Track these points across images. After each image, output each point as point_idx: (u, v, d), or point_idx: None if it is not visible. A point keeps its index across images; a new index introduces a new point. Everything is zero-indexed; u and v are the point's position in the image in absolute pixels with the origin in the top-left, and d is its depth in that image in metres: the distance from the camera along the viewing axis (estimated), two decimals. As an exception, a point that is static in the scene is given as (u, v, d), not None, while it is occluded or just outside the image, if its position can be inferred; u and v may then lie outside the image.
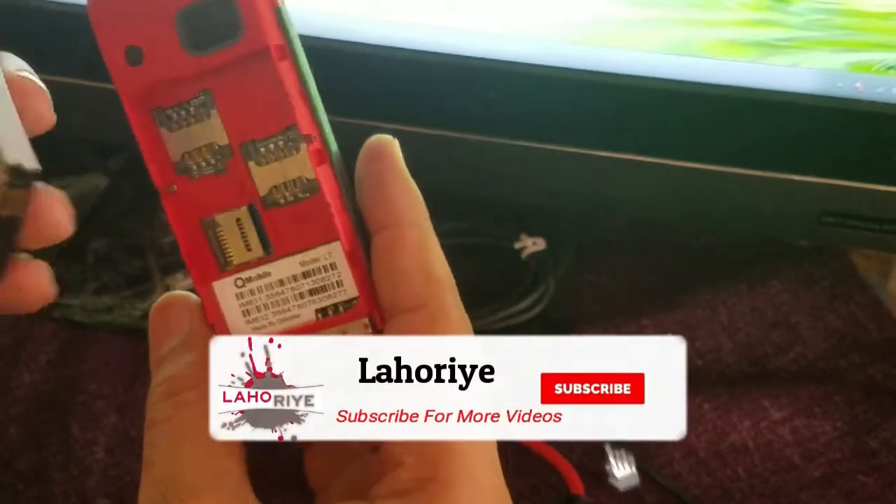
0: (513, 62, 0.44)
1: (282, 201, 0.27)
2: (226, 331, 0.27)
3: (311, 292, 0.27)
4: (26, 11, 0.47)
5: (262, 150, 0.27)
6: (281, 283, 0.27)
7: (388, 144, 0.27)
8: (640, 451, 0.47)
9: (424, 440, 0.24)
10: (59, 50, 0.46)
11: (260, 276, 0.27)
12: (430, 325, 0.25)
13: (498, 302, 0.52)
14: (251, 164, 0.27)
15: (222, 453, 0.25)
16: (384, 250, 0.26)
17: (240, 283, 0.27)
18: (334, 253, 0.27)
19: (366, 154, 0.27)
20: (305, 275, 0.27)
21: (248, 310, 0.27)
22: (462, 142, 0.47)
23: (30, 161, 0.25)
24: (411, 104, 0.46)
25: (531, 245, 0.55)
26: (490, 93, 0.45)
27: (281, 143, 0.26)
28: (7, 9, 0.48)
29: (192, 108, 0.27)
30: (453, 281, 0.27)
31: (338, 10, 0.45)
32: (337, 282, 0.27)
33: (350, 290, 0.27)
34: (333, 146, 0.27)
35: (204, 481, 0.24)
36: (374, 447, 0.26)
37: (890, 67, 0.42)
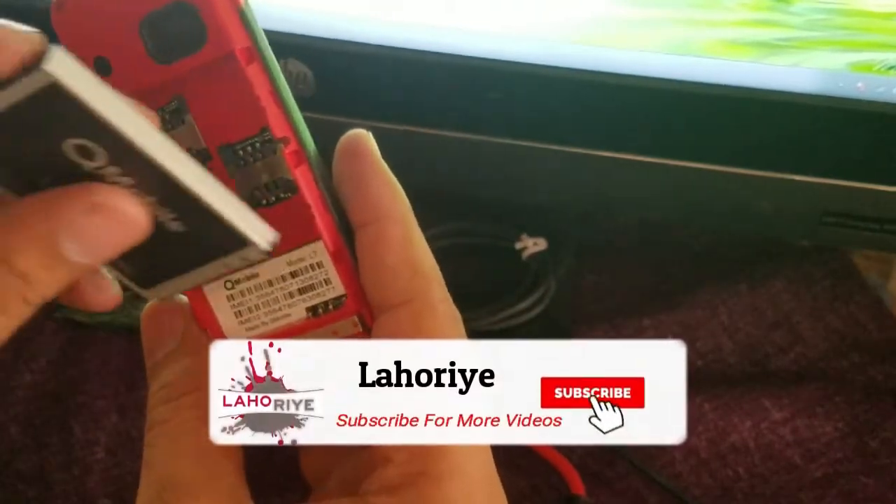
0: (513, 62, 0.44)
1: (264, 202, 0.27)
2: (220, 333, 0.27)
3: (300, 291, 0.27)
4: (27, 12, 0.47)
5: (240, 152, 0.26)
6: (270, 283, 0.27)
7: (364, 139, 0.27)
8: (642, 452, 0.47)
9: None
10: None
11: (248, 278, 0.27)
12: (416, 320, 0.25)
13: (499, 302, 0.52)
14: (230, 166, 0.27)
15: (219, 455, 0.25)
16: (368, 247, 0.26)
17: (229, 285, 0.27)
18: (319, 252, 0.27)
19: (342, 151, 0.27)
20: (293, 274, 0.27)
21: (240, 311, 0.27)
22: (462, 142, 0.47)
23: (270, 232, 0.25)
24: (411, 104, 0.46)
25: (532, 245, 0.55)
26: (490, 93, 0.45)
27: (258, 144, 0.26)
28: (8, 9, 0.47)
29: (166, 115, 0.26)
30: (440, 275, 0.26)
31: (338, 10, 0.45)
32: (324, 280, 0.27)
33: (337, 287, 0.27)
34: (310, 144, 0.27)
35: (200, 482, 0.25)
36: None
37: (891, 67, 0.41)
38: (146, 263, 0.26)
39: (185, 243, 0.25)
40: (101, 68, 0.26)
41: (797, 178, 0.44)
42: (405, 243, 0.26)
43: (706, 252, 0.58)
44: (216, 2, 0.25)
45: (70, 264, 0.22)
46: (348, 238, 0.27)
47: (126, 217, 0.22)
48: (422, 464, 0.24)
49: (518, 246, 0.55)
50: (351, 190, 0.27)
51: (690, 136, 0.45)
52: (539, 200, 0.51)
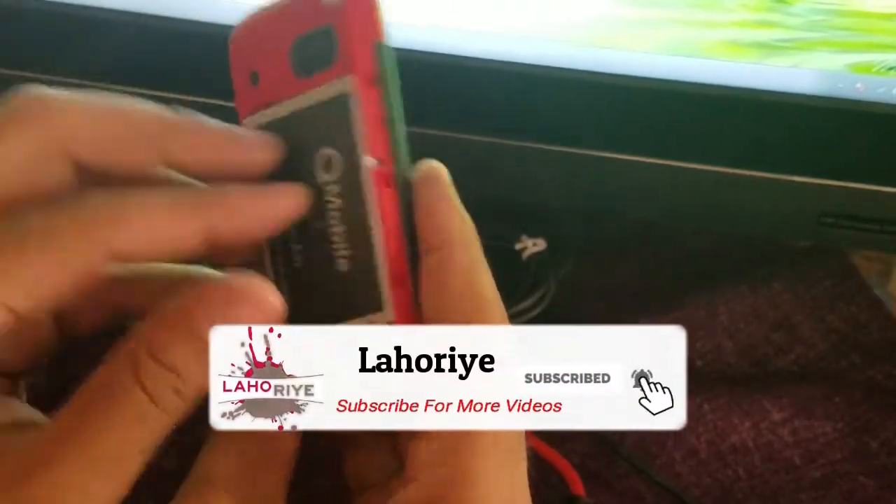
0: (513, 62, 0.44)
1: None
2: None
3: None
4: (28, 13, 0.47)
5: None
6: None
7: (437, 170, 0.28)
8: (641, 452, 0.47)
9: (439, 451, 0.24)
10: (59, 51, 0.47)
11: None
12: None
13: (498, 303, 0.52)
14: None
15: (266, 468, 0.25)
16: (434, 271, 0.26)
17: None
18: None
19: (416, 181, 0.28)
20: None
21: None
22: (462, 142, 0.47)
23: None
24: (411, 105, 0.46)
25: (531, 246, 0.55)
26: (490, 93, 0.45)
27: None
28: (7, 9, 0.48)
29: None
30: (502, 304, 0.26)
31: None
32: None
33: (388, 313, 0.27)
34: (404, 173, 0.28)
35: (237, 484, 0.25)
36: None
37: (891, 68, 0.42)
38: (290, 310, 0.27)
39: (337, 290, 0.27)
40: (254, 80, 0.29)
41: (797, 178, 0.44)
42: (470, 268, 0.26)
43: (706, 253, 0.58)
44: (352, 28, 0.27)
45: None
46: (413, 267, 0.27)
47: (265, 304, 0.24)
48: (442, 490, 0.24)
49: (518, 247, 0.55)
50: (421, 216, 0.27)
51: (690, 136, 0.45)
52: (538, 201, 0.51)
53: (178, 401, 0.23)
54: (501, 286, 0.53)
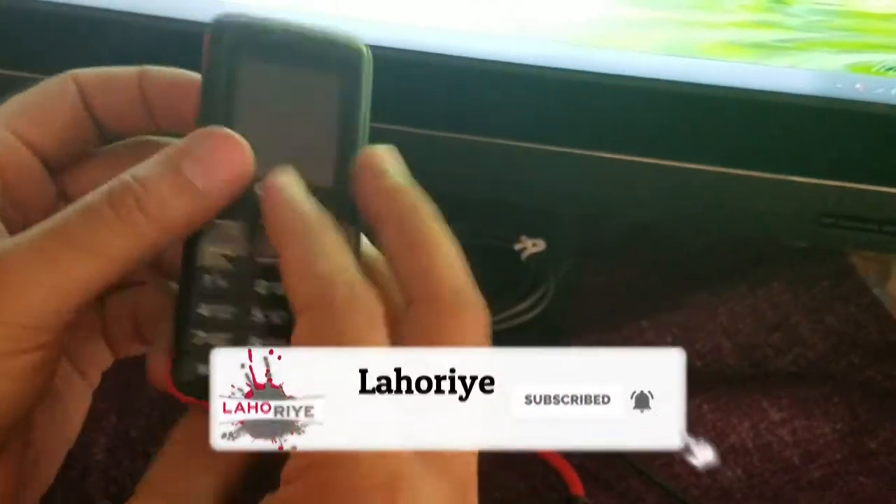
0: (512, 63, 0.44)
1: None
2: None
3: None
4: (25, 12, 0.47)
5: None
6: None
7: (269, 183, 0.27)
8: (641, 453, 0.47)
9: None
10: (59, 51, 0.46)
11: None
12: (312, 328, 0.24)
13: (498, 303, 0.52)
14: None
15: (203, 472, 0.25)
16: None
17: None
18: None
19: None
20: None
21: None
22: (462, 142, 0.47)
23: None
24: (411, 105, 0.46)
25: (531, 246, 0.55)
26: (490, 94, 0.45)
27: None
28: (7, 10, 0.48)
29: None
30: (351, 284, 0.24)
31: (334, 11, 0.45)
32: None
33: None
34: None
35: (169, 483, 0.25)
36: None
37: (889, 69, 0.42)
38: None
39: None
40: None
41: (796, 179, 0.44)
42: (302, 258, 0.25)
43: (706, 253, 0.58)
44: None
45: (190, 186, 0.26)
46: None
47: (230, 140, 0.27)
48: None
49: (517, 247, 0.55)
50: None
51: (689, 137, 0.45)
52: (538, 201, 0.51)
53: (139, 218, 0.25)
54: (501, 286, 0.53)
